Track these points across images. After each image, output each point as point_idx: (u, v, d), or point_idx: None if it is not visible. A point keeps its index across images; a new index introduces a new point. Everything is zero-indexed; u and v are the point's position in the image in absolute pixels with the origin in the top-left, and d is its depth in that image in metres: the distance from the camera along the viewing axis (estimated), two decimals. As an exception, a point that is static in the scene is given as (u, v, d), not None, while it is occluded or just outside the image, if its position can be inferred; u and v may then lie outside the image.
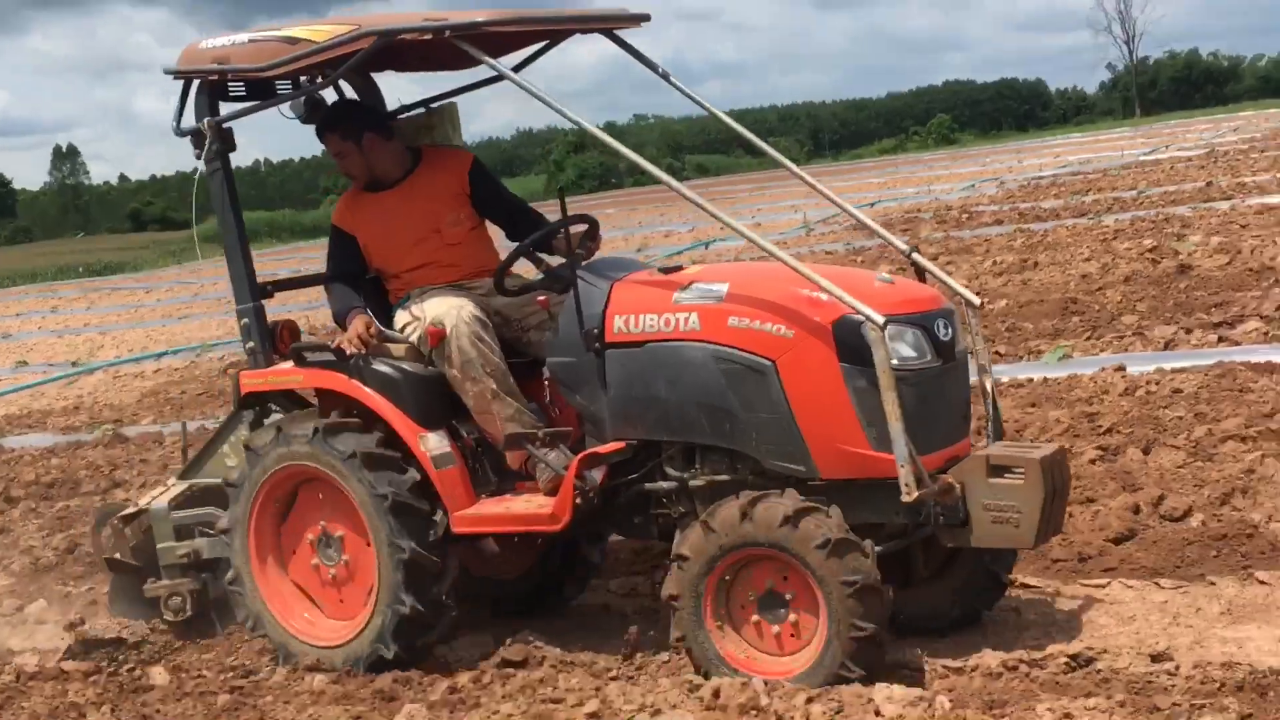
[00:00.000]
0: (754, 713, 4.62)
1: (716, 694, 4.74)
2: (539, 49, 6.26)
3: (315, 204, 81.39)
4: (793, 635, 4.96)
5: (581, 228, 5.82)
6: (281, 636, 5.87)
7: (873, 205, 29.87)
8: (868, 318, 4.83)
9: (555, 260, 5.78)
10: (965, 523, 5.01)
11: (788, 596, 4.95)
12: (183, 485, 6.59)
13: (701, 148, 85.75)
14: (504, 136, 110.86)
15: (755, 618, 5.02)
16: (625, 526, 5.74)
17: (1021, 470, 4.91)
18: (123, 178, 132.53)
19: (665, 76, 6.05)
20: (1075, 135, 64.04)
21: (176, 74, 5.96)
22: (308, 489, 5.86)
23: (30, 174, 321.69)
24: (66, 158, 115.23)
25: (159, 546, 6.43)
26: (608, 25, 5.99)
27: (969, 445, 5.34)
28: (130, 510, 6.64)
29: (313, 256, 39.40)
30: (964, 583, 5.53)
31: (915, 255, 5.73)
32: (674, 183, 5.40)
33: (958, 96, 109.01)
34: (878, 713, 4.51)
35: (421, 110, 6.50)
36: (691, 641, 5.04)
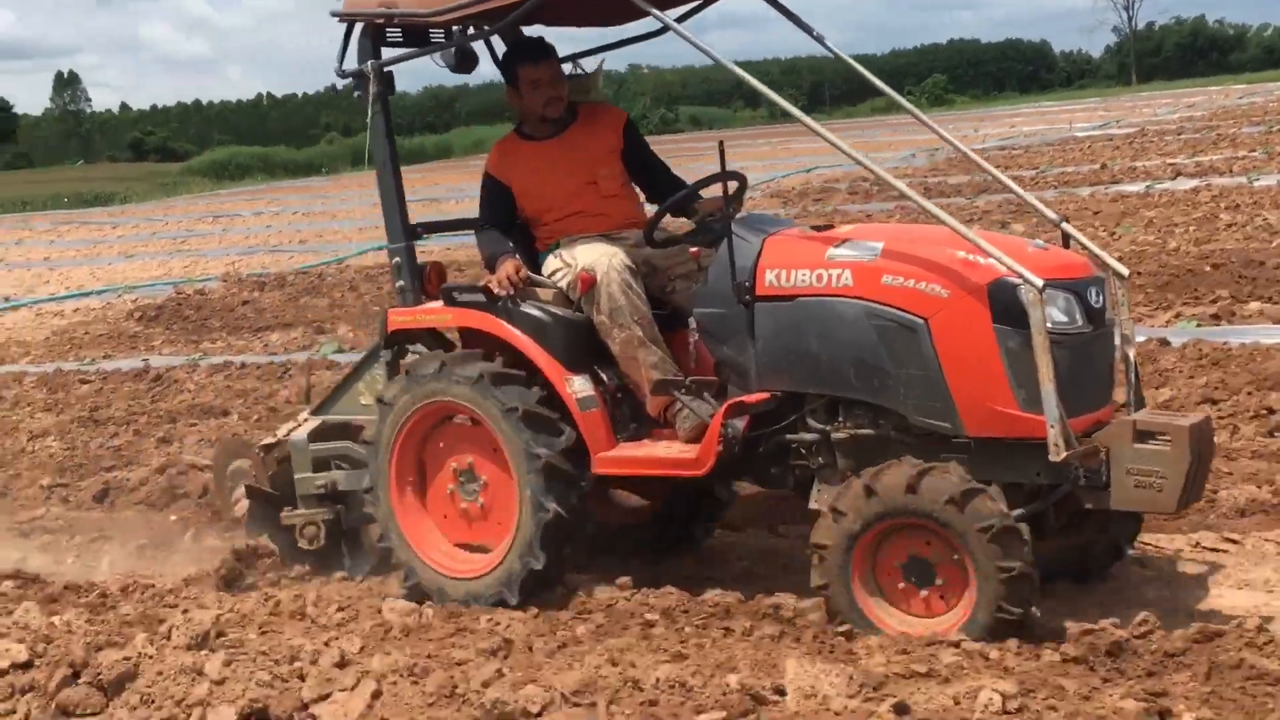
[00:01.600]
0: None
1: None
2: (701, 3, 6.40)
3: (315, 140, 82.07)
4: (939, 600, 5.07)
5: (732, 184, 5.87)
6: (410, 560, 6.05)
7: (809, 171, 30.21)
8: (1027, 280, 4.93)
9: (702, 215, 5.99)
10: (1106, 485, 5.08)
11: (932, 562, 5.06)
12: (316, 420, 6.78)
13: (699, 98, 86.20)
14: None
15: (901, 583, 5.12)
16: (762, 476, 5.84)
17: (1168, 437, 4.99)
18: (124, 106, 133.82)
19: (820, 40, 6.36)
20: (1053, 103, 64.11)
21: (342, 16, 6.16)
22: (433, 440, 6.07)
23: (32, 99, 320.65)
24: (68, 84, 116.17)
25: (297, 477, 6.62)
26: None
27: (1111, 411, 5.43)
28: (269, 440, 6.91)
29: (285, 198, 40.35)
30: (1086, 544, 5.68)
31: (1065, 225, 5.81)
32: (827, 134, 5.50)
33: (961, 56, 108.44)
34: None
35: (581, 71, 6.72)
36: (834, 591, 5.15)
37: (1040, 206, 6.10)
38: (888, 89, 6.44)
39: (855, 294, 5.30)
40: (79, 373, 12.95)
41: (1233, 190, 18.66)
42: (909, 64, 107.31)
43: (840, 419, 5.49)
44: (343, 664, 4.98)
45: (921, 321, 5.16)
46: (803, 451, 5.58)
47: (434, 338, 6.34)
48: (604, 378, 5.97)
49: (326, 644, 5.19)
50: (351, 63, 6.19)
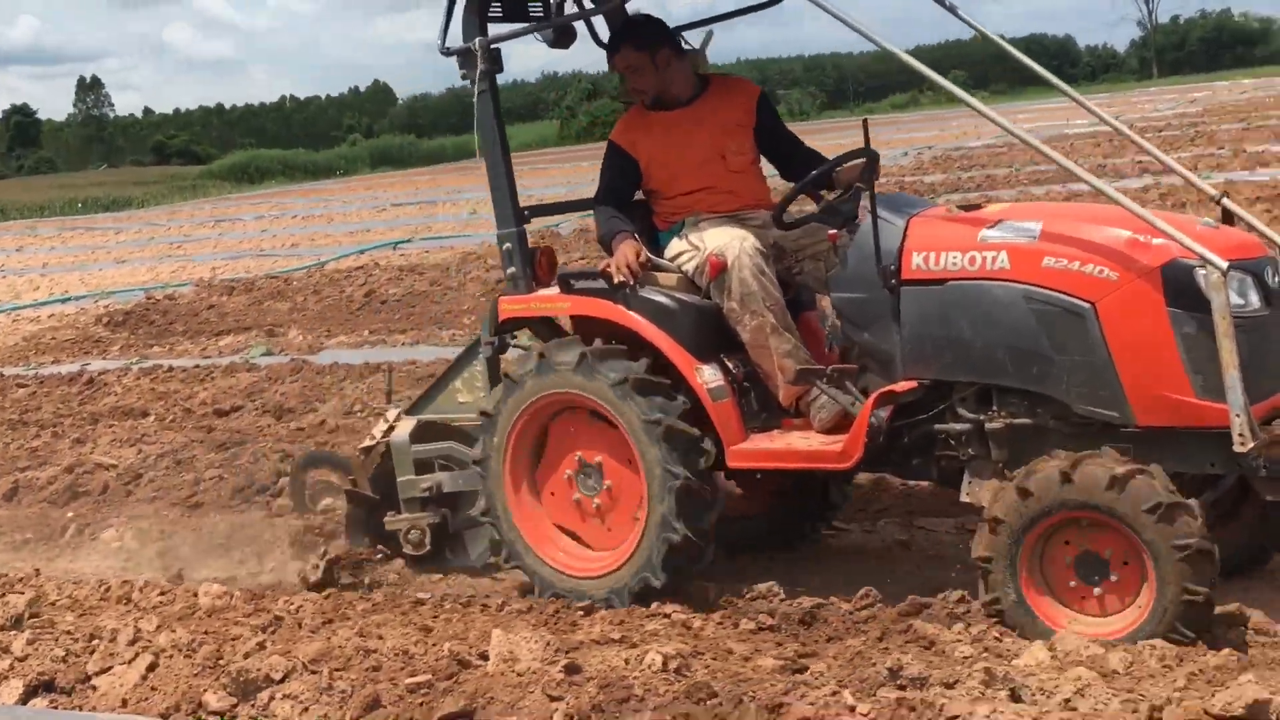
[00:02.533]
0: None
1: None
2: None
3: (336, 142, 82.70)
4: (1115, 596, 4.80)
5: (860, 162, 5.64)
6: (537, 567, 5.81)
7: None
8: (1210, 262, 4.66)
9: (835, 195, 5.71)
10: None
11: (1105, 556, 4.79)
12: (411, 420, 6.53)
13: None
14: (529, 79, 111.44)
15: (1073, 582, 4.85)
16: (904, 468, 5.61)
17: None
18: (147, 110, 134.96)
19: (952, 10, 6.11)
20: (1060, 101, 63.72)
21: None
22: (561, 421, 5.81)
23: (55, 104, 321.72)
24: (91, 89, 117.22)
25: (400, 480, 6.39)
26: None
27: None
28: (368, 443, 6.59)
29: (290, 201, 40.78)
30: (1254, 529, 5.46)
31: (1225, 200, 5.54)
32: (981, 106, 5.33)
33: (984, 50, 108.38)
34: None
35: (689, 45, 6.35)
36: (1005, 604, 4.88)
37: (1198, 181, 5.84)
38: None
39: (1013, 277, 5.04)
40: (18, 377, 13.23)
41: (1180, 190, 18.94)
42: (933, 60, 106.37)
43: (994, 408, 5.21)
44: (134, 641, 5.43)
45: (1089, 306, 4.91)
46: (951, 442, 5.31)
47: (549, 326, 6.09)
48: (730, 366, 5.72)
49: (128, 624, 5.63)
50: (455, 40, 5.90)
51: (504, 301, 6.03)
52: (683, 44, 6.22)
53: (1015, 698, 4.20)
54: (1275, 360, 4.99)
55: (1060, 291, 4.98)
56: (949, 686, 4.30)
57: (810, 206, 5.89)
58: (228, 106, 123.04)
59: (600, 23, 6.49)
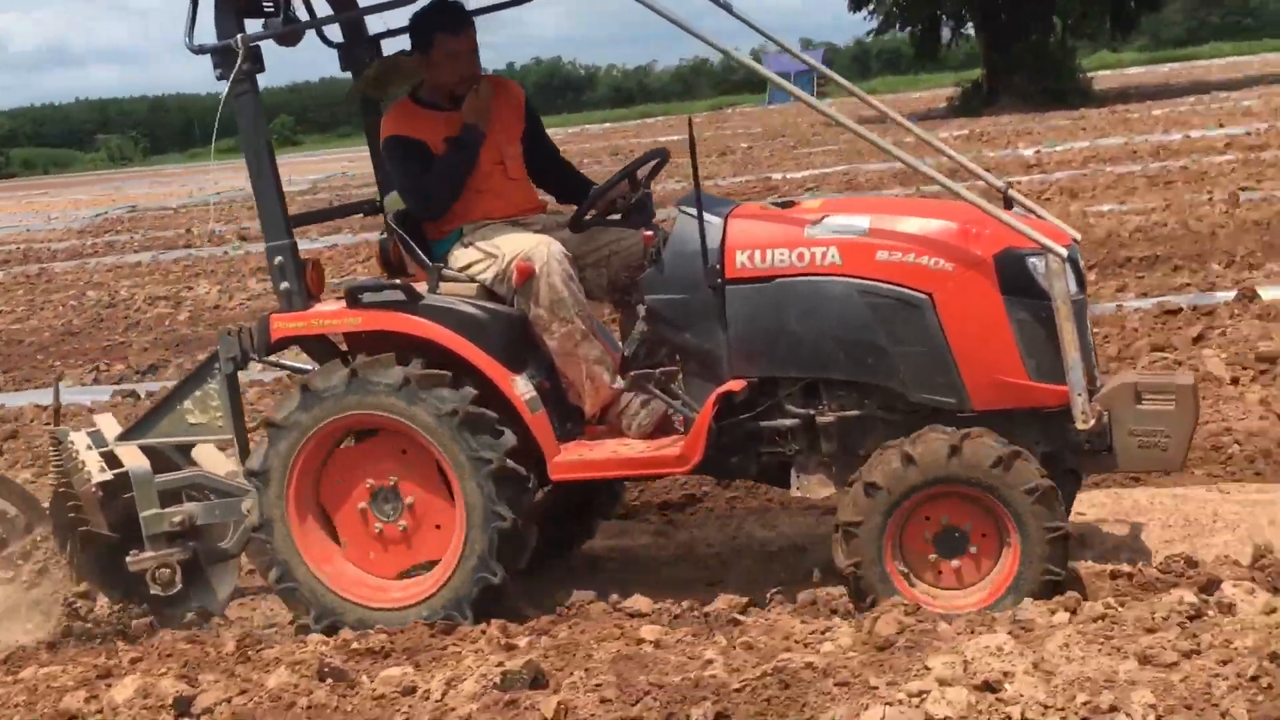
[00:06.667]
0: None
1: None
2: None
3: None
4: (974, 569, 5.01)
5: (652, 163, 5.65)
6: (319, 593, 5.41)
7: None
8: (1051, 250, 4.92)
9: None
10: (1109, 450, 5.16)
11: (965, 530, 5.00)
12: (128, 446, 5.97)
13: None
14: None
15: (932, 555, 5.03)
16: (720, 467, 5.51)
17: (1172, 395, 5.11)
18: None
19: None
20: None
21: None
22: (359, 438, 5.49)
23: None
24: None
25: (143, 515, 5.73)
26: None
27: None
28: (103, 477, 5.82)
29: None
30: None
31: (1011, 191, 5.70)
32: (833, 113, 5.39)
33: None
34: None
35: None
36: (866, 569, 4.99)
37: (984, 174, 5.99)
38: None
39: (845, 272, 5.13)
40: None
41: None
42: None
43: (824, 402, 5.29)
44: None
45: (925, 296, 5.06)
46: (777, 438, 5.35)
47: (321, 344, 5.67)
48: (534, 376, 5.52)
49: None
50: (207, 36, 5.40)
51: (277, 319, 5.57)
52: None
53: None
54: (1087, 340, 5.31)
55: (896, 284, 5.10)
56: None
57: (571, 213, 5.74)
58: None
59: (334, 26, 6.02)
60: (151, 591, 5.80)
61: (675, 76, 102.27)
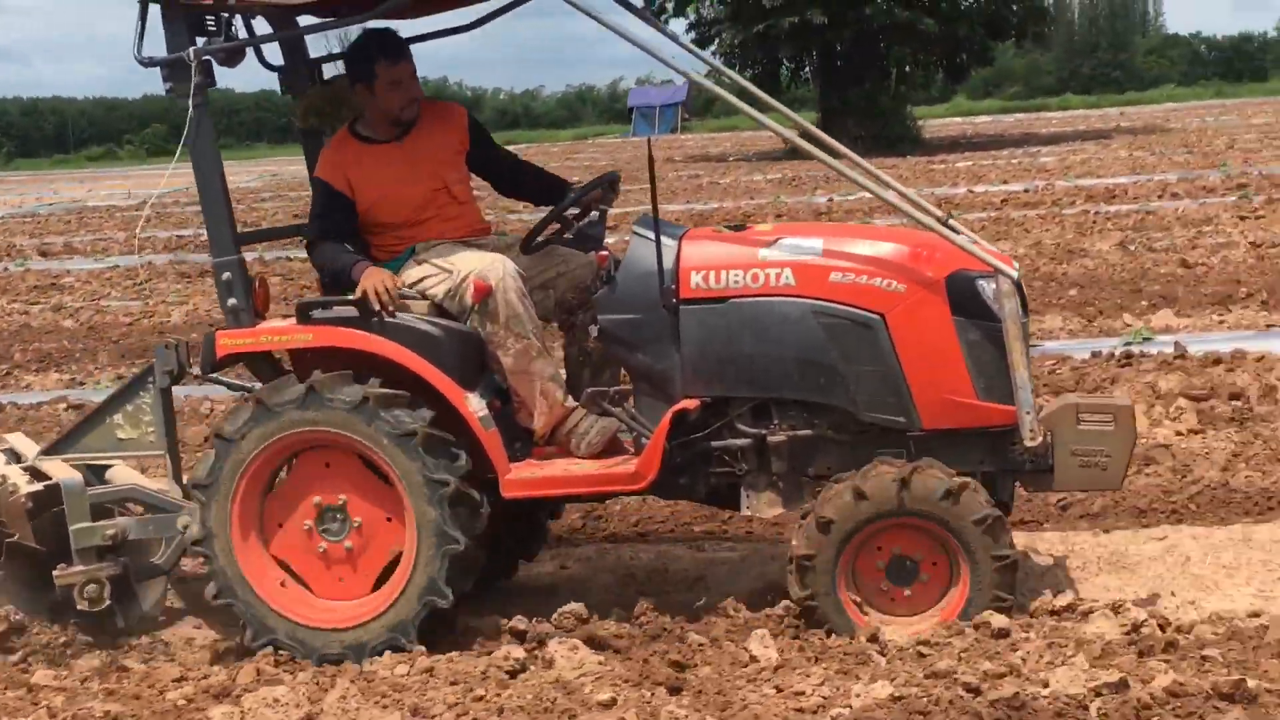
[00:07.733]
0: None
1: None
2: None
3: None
4: (925, 596, 5.12)
5: (600, 188, 5.69)
6: (261, 613, 5.30)
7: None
8: (1003, 272, 5.08)
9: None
10: (1050, 469, 5.30)
11: (916, 559, 5.11)
12: (55, 460, 5.83)
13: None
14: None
15: (884, 584, 5.13)
16: (669, 488, 5.52)
17: (1111, 416, 5.27)
18: None
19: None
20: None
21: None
22: (307, 456, 5.38)
23: None
24: None
25: (73, 528, 5.58)
26: None
27: None
28: (32, 488, 5.65)
29: None
30: None
31: (951, 222, 5.70)
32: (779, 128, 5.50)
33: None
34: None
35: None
36: (820, 601, 5.08)
37: (926, 204, 5.94)
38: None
39: (799, 293, 5.22)
40: None
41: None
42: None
43: (775, 421, 5.35)
44: None
45: (878, 317, 5.17)
46: (727, 458, 5.39)
47: (268, 362, 5.63)
48: (486, 394, 5.51)
49: None
50: (157, 49, 5.35)
51: (224, 335, 5.47)
52: None
53: None
54: (1028, 361, 5.45)
55: (849, 304, 5.20)
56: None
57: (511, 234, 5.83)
58: None
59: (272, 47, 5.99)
60: (78, 607, 5.61)
61: (560, 103, 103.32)
